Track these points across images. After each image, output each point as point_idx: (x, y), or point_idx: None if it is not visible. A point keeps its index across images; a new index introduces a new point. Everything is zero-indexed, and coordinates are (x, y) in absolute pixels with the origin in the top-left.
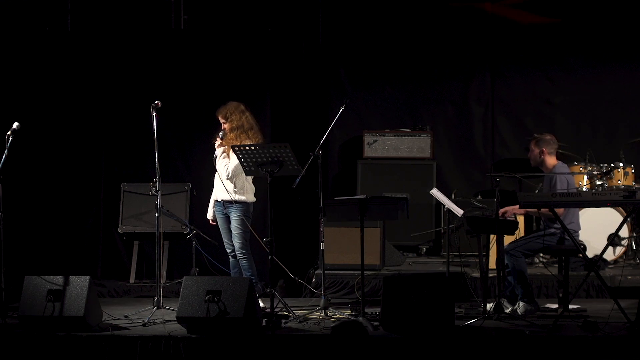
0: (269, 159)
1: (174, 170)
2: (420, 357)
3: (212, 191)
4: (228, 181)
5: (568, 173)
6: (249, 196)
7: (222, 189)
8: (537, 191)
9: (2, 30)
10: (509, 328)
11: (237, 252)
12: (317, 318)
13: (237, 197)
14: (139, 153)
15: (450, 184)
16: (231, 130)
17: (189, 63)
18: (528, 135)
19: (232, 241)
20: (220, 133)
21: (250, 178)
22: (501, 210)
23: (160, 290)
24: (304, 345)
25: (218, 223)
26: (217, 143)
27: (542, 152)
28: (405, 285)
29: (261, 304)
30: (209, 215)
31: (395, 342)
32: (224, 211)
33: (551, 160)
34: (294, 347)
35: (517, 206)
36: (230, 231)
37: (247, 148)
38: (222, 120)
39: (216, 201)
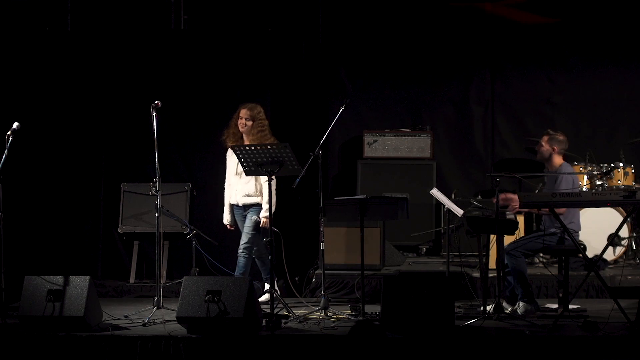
0: (269, 159)
1: (174, 170)
2: (420, 357)
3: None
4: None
5: (574, 173)
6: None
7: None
8: (537, 191)
9: (2, 30)
10: (509, 328)
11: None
12: (317, 318)
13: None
14: (139, 153)
15: (450, 184)
16: (259, 131)
17: (189, 63)
18: (528, 135)
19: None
20: (241, 129)
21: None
22: (502, 196)
23: (160, 290)
24: (304, 345)
25: (239, 226)
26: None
27: (552, 150)
28: (405, 285)
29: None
30: (226, 220)
31: (396, 342)
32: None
33: (558, 160)
34: (294, 347)
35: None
36: None
37: (247, 148)
38: (245, 116)
39: (237, 206)
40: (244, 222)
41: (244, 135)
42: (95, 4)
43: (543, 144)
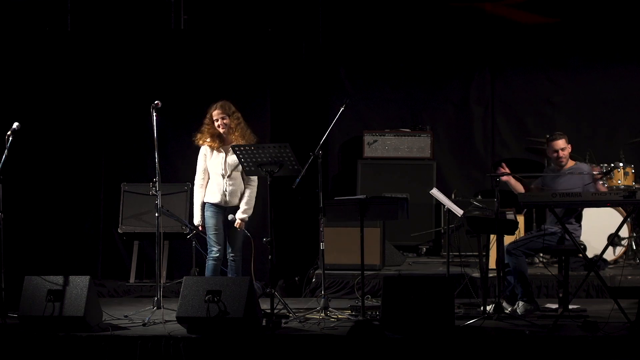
0: (269, 159)
1: (174, 170)
2: (420, 357)
3: None
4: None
5: (586, 173)
6: None
7: (235, 192)
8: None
9: (2, 30)
10: (509, 328)
11: (236, 255)
12: (317, 318)
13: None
14: (139, 153)
15: (450, 184)
16: (237, 124)
17: (189, 63)
18: (528, 135)
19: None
20: (222, 130)
21: None
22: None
23: (160, 290)
24: (304, 345)
25: (210, 224)
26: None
27: (570, 149)
28: (406, 285)
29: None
30: (199, 220)
31: (396, 342)
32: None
33: (570, 160)
34: (294, 347)
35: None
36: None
37: (247, 148)
38: (221, 116)
39: (218, 205)
40: (220, 222)
41: (226, 135)
42: (95, 4)
43: (565, 146)
